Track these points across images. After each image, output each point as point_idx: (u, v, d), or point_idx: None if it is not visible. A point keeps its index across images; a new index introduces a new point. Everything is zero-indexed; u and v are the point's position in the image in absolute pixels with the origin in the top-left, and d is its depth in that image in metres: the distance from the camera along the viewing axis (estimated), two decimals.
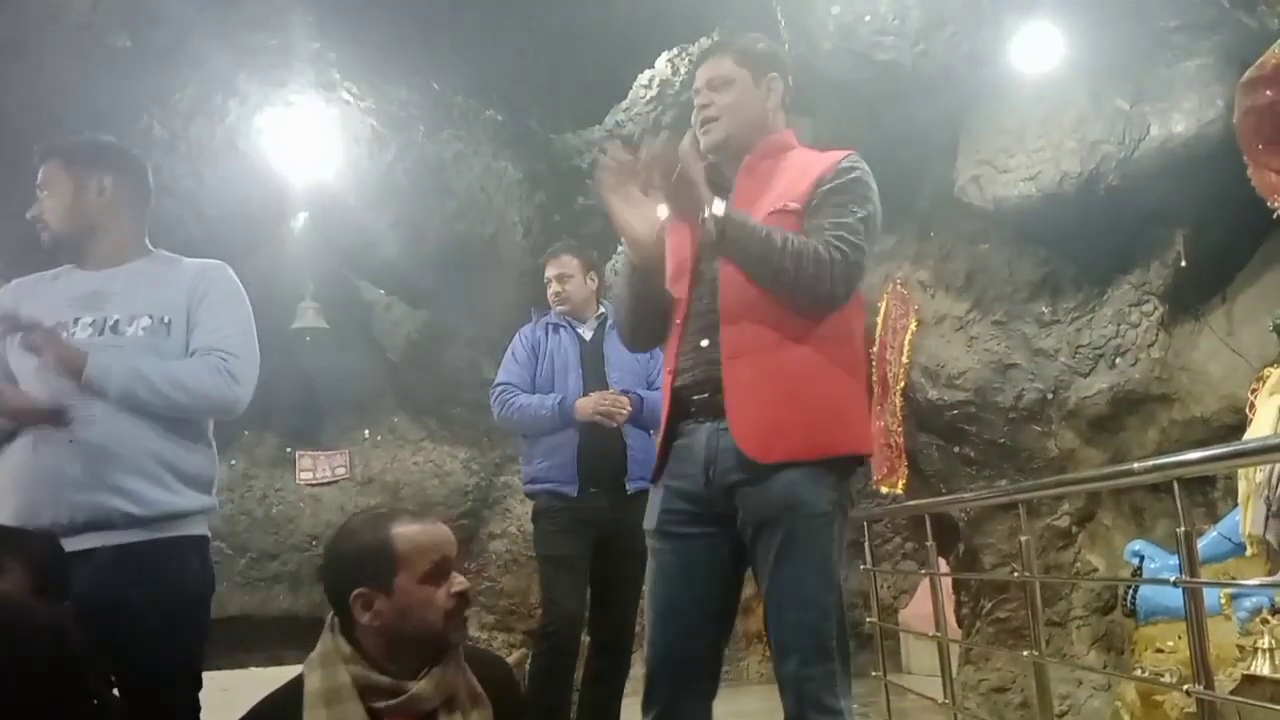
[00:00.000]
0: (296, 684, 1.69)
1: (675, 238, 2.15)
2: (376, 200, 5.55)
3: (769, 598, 1.99)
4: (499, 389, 3.56)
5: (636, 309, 2.17)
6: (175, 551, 2.14)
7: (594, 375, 3.53)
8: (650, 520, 2.11)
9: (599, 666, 3.45)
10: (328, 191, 5.46)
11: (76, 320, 2.19)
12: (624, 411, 3.40)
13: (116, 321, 2.19)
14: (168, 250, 2.41)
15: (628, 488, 3.44)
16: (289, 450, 7.36)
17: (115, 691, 2.03)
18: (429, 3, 4.76)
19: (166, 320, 2.21)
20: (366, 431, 7.62)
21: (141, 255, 2.34)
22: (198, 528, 2.22)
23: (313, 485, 7.44)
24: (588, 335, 3.64)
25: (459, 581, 1.70)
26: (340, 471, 7.53)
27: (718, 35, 5.36)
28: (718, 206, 1.94)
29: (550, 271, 3.69)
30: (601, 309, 3.70)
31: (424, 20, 4.83)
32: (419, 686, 1.66)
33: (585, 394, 3.45)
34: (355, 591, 1.66)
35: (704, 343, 2.04)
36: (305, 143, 5.23)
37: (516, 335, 3.70)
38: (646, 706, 2.05)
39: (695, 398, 2.05)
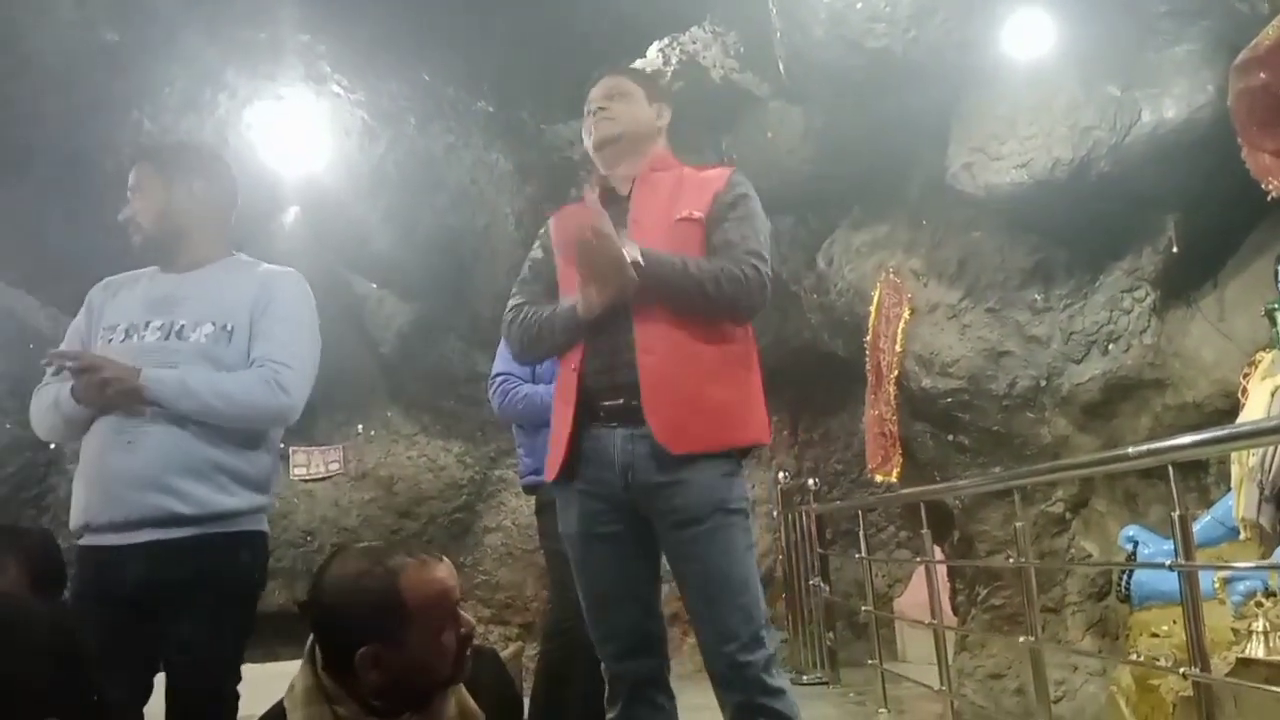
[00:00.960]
0: (279, 715, 1.60)
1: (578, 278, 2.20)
2: (367, 193, 5.53)
3: (699, 592, 2.07)
4: (499, 379, 3.49)
5: (562, 350, 2.19)
6: (223, 545, 2.19)
7: None
8: (570, 524, 2.17)
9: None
10: (318, 185, 5.44)
11: (147, 324, 2.26)
12: None
13: (182, 327, 2.25)
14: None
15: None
16: (282, 445, 7.35)
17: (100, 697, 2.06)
18: None
19: (229, 328, 2.26)
20: (360, 426, 7.62)
21: (222, 259, 2.39)
22: (251, 524, 2.26)
23: (306, 481, 7.43)
24: None
25: (465, 622, 1.62)
26: (334, 467, 7.53)
27: (709, 24, 5.35)
28: (634, 251, 2.03)
29: None
30: None
31: (414, 12, 4.81)
32: None
33: None
34: (360, 652, 1.52)
35: (618, 346, 2.09)
36: (295, 136, 5.21)
37: None
38: (612, 700, 2.15)
39: (606, 403, 2.10)
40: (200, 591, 2.13)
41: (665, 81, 2.49)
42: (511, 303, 2.30)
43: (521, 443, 3.61)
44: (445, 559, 1.65)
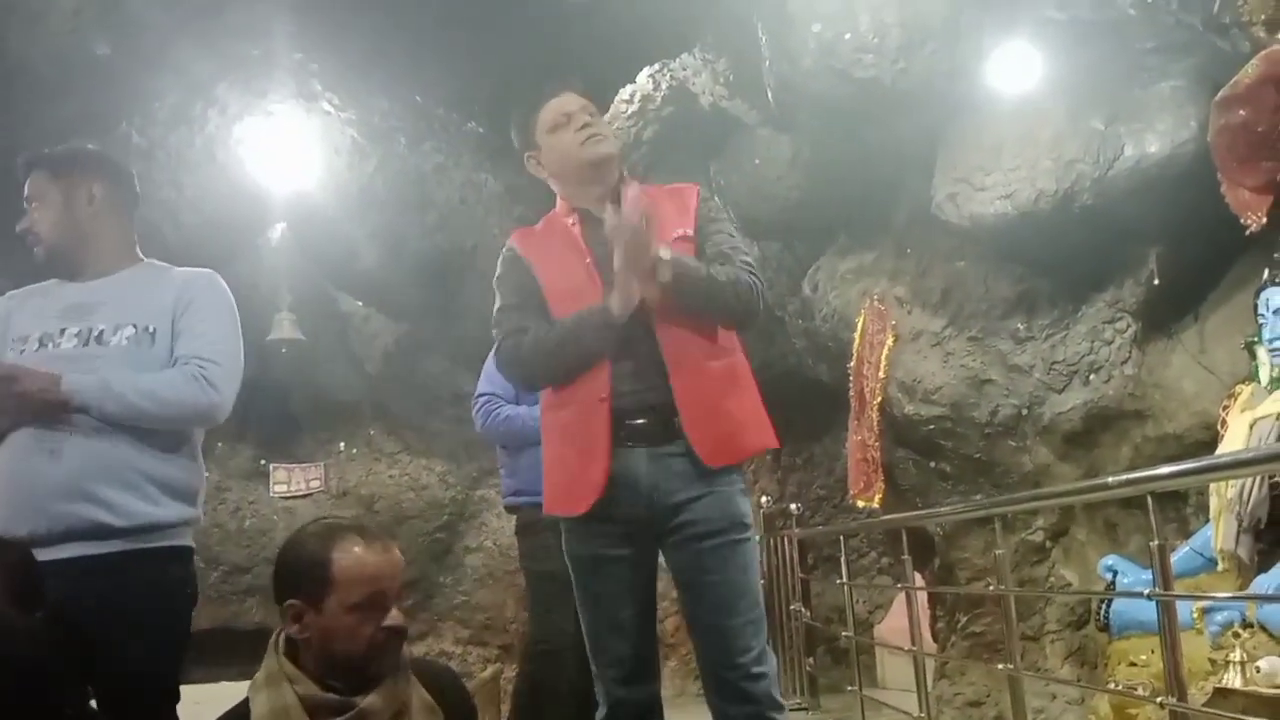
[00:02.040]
0: (242, 708, 1.67)
1: (564, 262, 2.19)
2: (356, 211, 5.54)
3: (715, 604, 2.09)
4: (483, 399, 3.48)
5: (593, 359, 2.13)
6: (153, 561, 2.12)
7: None
8: (579, 546, 2.17)
9: (583, 682, 3.42)
10: (307, 202, 5.44)
11: (63, 331, 2.19)
12: None
13: (101, 332, 2.19)
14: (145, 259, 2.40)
15: None
16: (263, 463, 7.31)
17: (93, 703, 2.02)
18: (412, 15, 4.76)
19: (151, 329, 2.20)
20: (342, 444, 7.59)
21: (131, 264, 2.34)
22: (180, 538, 2.20)
23: (287, 498, 7.38)
24: None
25: (393, 617, 1.67)
26: (315, 484, 7.49)
27: (698, 51, 5.40)
28: (665, 252, 2.04)
29: None
30: None
31: (406, 32, 4.83)
32: (368, 701, 1.64)
33: None
34: (288, 601, 1.66)
35: (645, 367, 2.10)
36: (285, 153, 5.22)
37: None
38: None
39: (629, 422, 2.10)
40: (133, 611, 2.04)
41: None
42: (503, 331, 2.21)
43: (504, 463, 3.58)
44: (393, 550, 1.72)
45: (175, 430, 2.21)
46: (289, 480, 7.46)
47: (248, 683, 1.72)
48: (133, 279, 2.29)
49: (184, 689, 2.25)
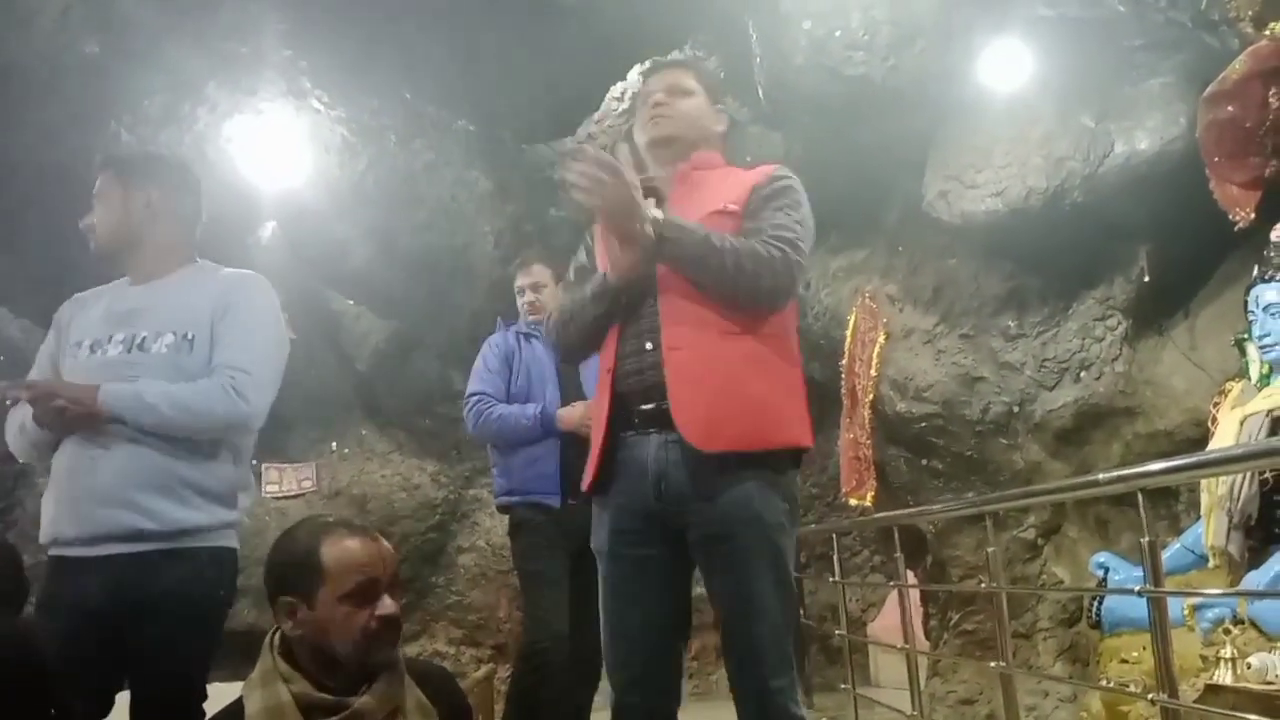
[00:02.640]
0: (237, 706, 1.67)
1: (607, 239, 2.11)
2: (347, 210, 5.52)
3: (730, 609, 1.99)
4: (474, 399, 3.48)
5: (594, 326, 2.11)
6: (189, 561, 2.16)
7: (570, 385, 3.47)
8: (600, 541, 2.09)
9: (576, 679, 3.41)
10: (297, 200, 5.43)
11: (110, 338, 2.24)
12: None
13: (144, 339, 2.23)
14: None
15: None
16: (255, 462, 7.27)
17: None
18: (401, 13, 4.75)
19: (190, 336, 2.24)
20: (334, 444, 7.56)
21: (183, 268, 2.36)
22: (219, 540, 2.24)
23: (279, 499, 7.36)
24: None
25: (386, 605, 1.67)
26: (307, 484, 7.46)
27: (690, 49, 5.39)
28: (654, 211, 1.98)
29: (522, 280, 3.65)
30: None
31: (396, 30, 4.82)
32: (361, 701, 1.64)
33: (562, 404, 3.41)
34: (281, 599, 1.67)
35: (648, 345, 2.02)
36: (275, 151, 5.20)
37: (486, 345, 3.63)
38: None
39: (641, 407, 2.02)
40: (164, 607, 2.11)
41: (723, 85, 2.42)
42: (556, 305, 2.24)
43: (496, 462, 3.57)
44: (382, 542, 1.73)
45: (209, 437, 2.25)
46: (280, 480, 7.43)
47: (239, 683, 1.72)
48: (179, 283, 2.32)
49: None
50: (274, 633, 1.73)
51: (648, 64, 2.35)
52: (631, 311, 2.05)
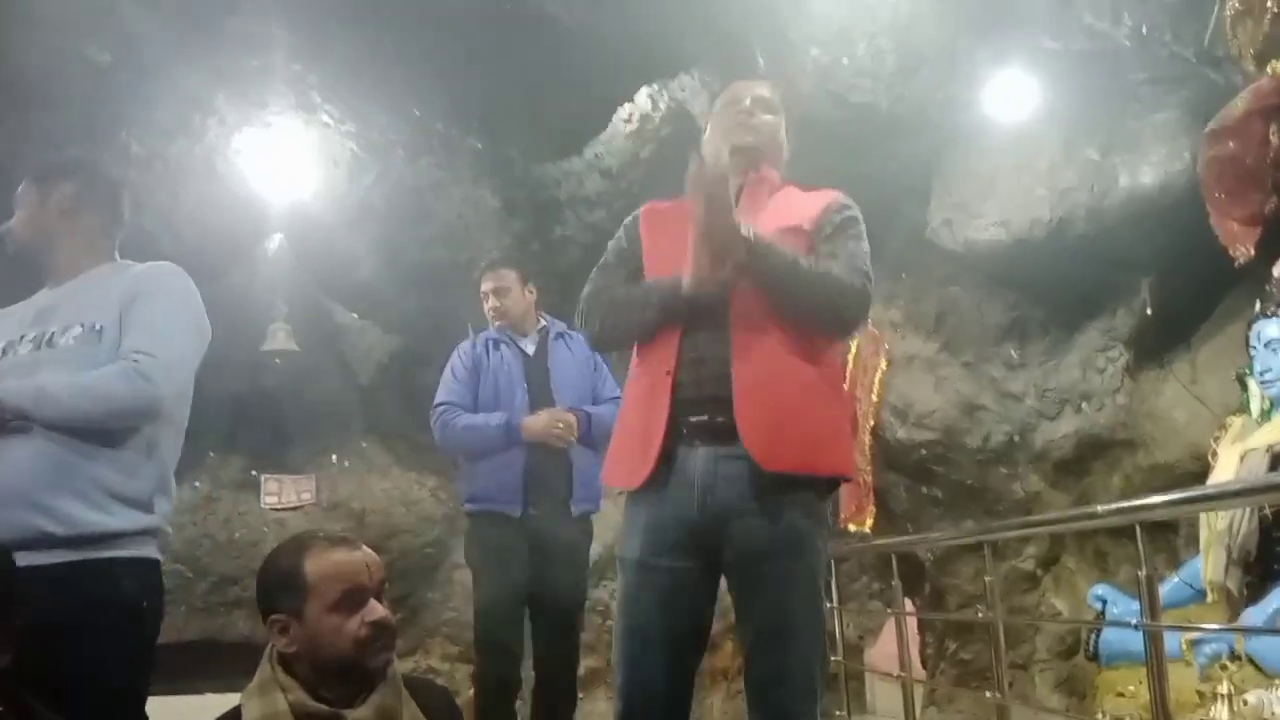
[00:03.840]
0: (234, 713, 1.68)
1: (677, 241, 2.05)
2: (353, 224, 5.54)
3: (762, 630, 1.96)
4: (441, 409, 3.43)
5: (649, 331, 2.07)
6: (105, 573, 2.02)
7: (540, 391, 3.42)
8: (631, 549, 2.04)
9: (549, 699, 3.38)
10: (304, 213, 5.44)
11: (21, 338, 2.16)
12: (574, 433, 3.33)
13: (52, 334, 2.15)
14: None
15: (572, 509, 3.36)
16: (254, 473, 7.27)
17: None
18: (412, 29, 4.78)
19: (98, 327, 2.13)
20: (334, 456, 7.54)
21: (101, 266, 2.30)
22: (137, 548, 2.09)
23: (278, 510, 7.33)
24: (530, 349, 3.53)
25: (375, 610, 1.68)
26: (306, 497, 7.44)
27: (697, 72, 5.42)
28: (747, 228, 1.95)
29: (486, 285, 3.57)
30: (543, 322, 3.59)
31: (407, 47, 4.85)
32: (357, 713, 1.65)
33: (532, 411, 3.36)
34: (271, 617, 1.68)
35: (707, 355, 1.99)
36: (283, 164, 5.22)
37: (455, 353, 3.59)
38: None
39: (693, 419, 1.98)
40: (78, 623, 1.95)
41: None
42: (591, 287, 2.18)
43: (464, 469, 3.52)
44: (365, 549, 1.76)
45: (127, 433, 2.11)
46: (280, 492, 7.42)
47: (234, 694, 1.72)
48: (91, 280, 2.24)
49: (168, 700, 2.21)
50: (273, 645, 1.73)
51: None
52: (696, 320, 2.01)
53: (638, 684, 2.01)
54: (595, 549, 5.98)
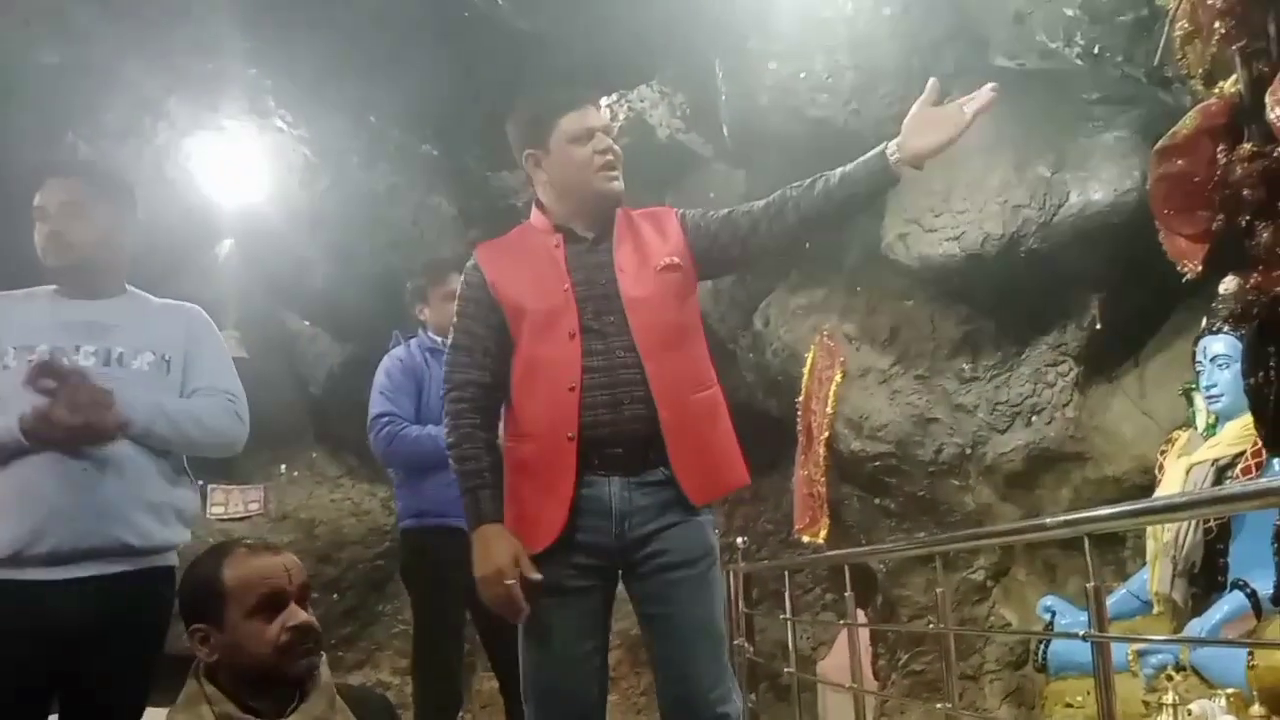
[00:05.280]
0: None
1: (525, 267, 2.13)
2: (306, 230, 5.48)
3: (681, 639, 2.03)
4: (384, 420, 3.27)
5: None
6: (149, 581, 2.15)
7: None
8: (551, 577, 2.05)
9: (520, 710, 3.34)
10: (256, 219, 5.38)
11: (78, 348, 2.17)
12: None
13: (121, 354, 2.20)
14: None
15: None
16: (201, 483, 7.13)
17: None
18: (367, 37, 4.74)
19: (168, 359, 2.25)
20: (283, 466, 7.43)
21: (126, 290, 2.36)
22: (172, 559, 2.24)
23: (224, 520, 7.21)
24: None
25: (296, 614, 1.66)
26: (254, 507, 7.32)
27: (657, 84, 5.43)
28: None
29: (455, 286, 3.50)
30: None
31: (362, 54, 4.81)
32: None
33: None
34: (192, 627, 1.67)
35: (616, 399, 2.02)
36: (235, 169, 5.15)
37: (388, 360, 3.43)
38: None
39: (605, 451, 2.03)
40: (123, 627, 2.08)
41: None
42: (450, 383, 2.16)
43: (402, 482, 3.41)
44: (285, 554, 1.74)
45: (181, 456, 2.27)
46: (227, 502, 7.29)
47: (164, 710, 1.69)
48: (142, 305, 2.33)
49: None
50: (199, 660, 1.71)
51: (576, 92, 2.23)
52: (589, 369, 2.04)
53: (557, 703, 2.07)
54: None
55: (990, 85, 2.08)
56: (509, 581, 1.97)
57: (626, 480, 2.04)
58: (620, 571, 2.10)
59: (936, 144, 2.10)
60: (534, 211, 2.24)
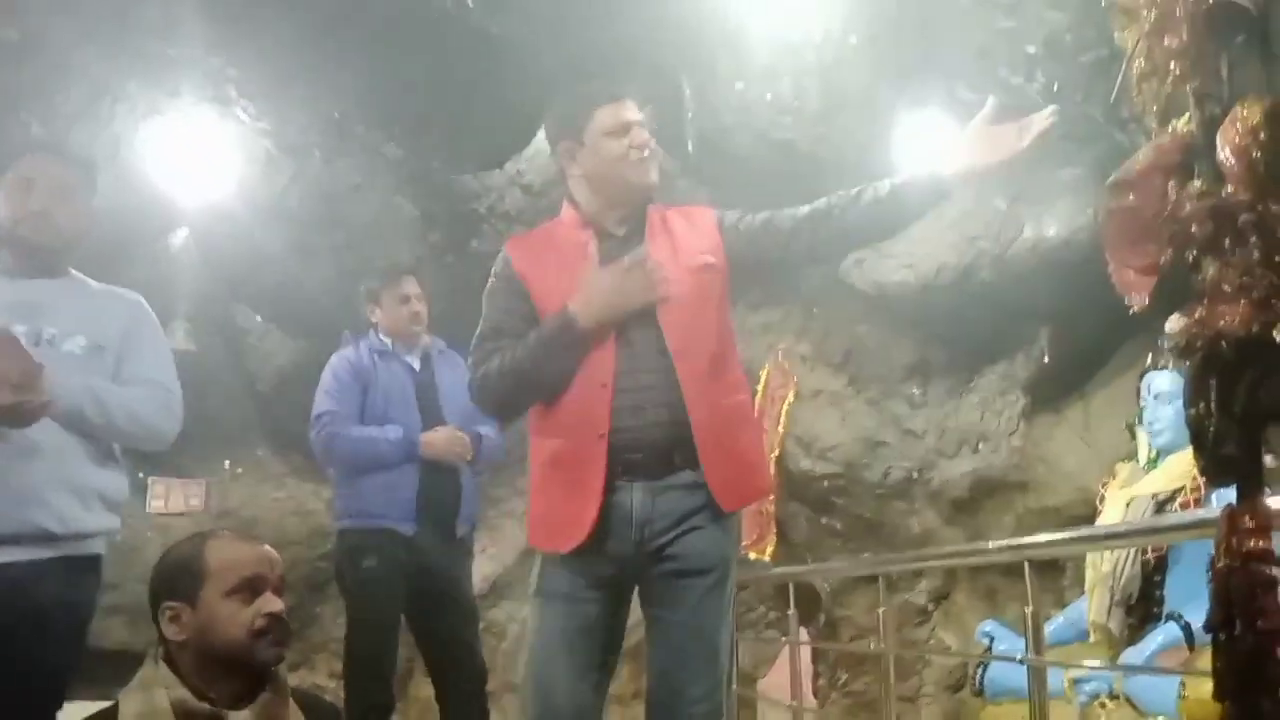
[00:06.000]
0: (110, 711, 1.63)
1: (559, 265, 2.10)
2: (265, 224, 5.40)
3: (673, 645, 2.00)
4: (326, 419, 3.26)
5: (547, 378, 2.04)
6: (74, 569, 2.09)
7: (430, 409, 3.34)
8: (559, 583, 2.03)
9: (458, 716, 3.30)
10: (214, 210, 5.29)
11: (8, 328, 2.08)
12: (471, 453, 3.30)
13: (53, 336, 2.13)
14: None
15: (457, 529, 3.31)
16: (141, 475, 6.99)
17: None
18: (336, 30, 4.70)
19: (103, 345, 2.18)
20: (227, 462, 7.30)
21: (71, 271, 2.29)
22: (98, 547, 2.17)
23: (163, 515, 7.06)
24: (416, 365, 3.43)
25: (272, 602, 1.67)
26: (194, 503, 7.17)
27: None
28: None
29: (408, 289, 3.45)
30: (427, 339, 3.50)
31: (329, 48, 4.77)
32: (240, 715, 1.62)
33: (425, 429, 3.28)
34: (163, 604, 1.66)
35: (642, 400, 1.99)
36: (194, 157, 5.07)
37: (335, 360, 3.41)
38: None
39: (626, 456, 1.99)
40: (44, 616, 2.01)
41: None
42: (475, 363, 2.09)
43: (342, 481, 3.38)
44: (266, 547, 1.76)
45: (111, 443, 2.20)
46: (167, 496, 7.14)
47: (103, 704, 1.66)
48: (81, 289, 2.26)
49: None
50: (158, 645, 1.70)
51: (612, 85, 2.20)
52: (622, 371, 2.00)
53: (557, 711, 2.00)
54: (494, 568, 5.92)
55: (1050, 109, 2.07)
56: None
57: (649, 485, 1.99)
58: (636, 578, 2.05)
59: (991, 163, 2.08)
60: (565, 207, 2.21)
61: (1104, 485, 3.91)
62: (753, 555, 5.40)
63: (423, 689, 5.84)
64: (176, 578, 1.67)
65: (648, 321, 2.02)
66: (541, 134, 5.63)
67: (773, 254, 2.14)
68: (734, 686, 5.06)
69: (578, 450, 2.00)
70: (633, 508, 1.99)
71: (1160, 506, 3.46)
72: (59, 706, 2.10)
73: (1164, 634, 3.29)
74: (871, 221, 2.11)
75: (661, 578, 2.01)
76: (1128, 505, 3.57)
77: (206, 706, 1.61)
